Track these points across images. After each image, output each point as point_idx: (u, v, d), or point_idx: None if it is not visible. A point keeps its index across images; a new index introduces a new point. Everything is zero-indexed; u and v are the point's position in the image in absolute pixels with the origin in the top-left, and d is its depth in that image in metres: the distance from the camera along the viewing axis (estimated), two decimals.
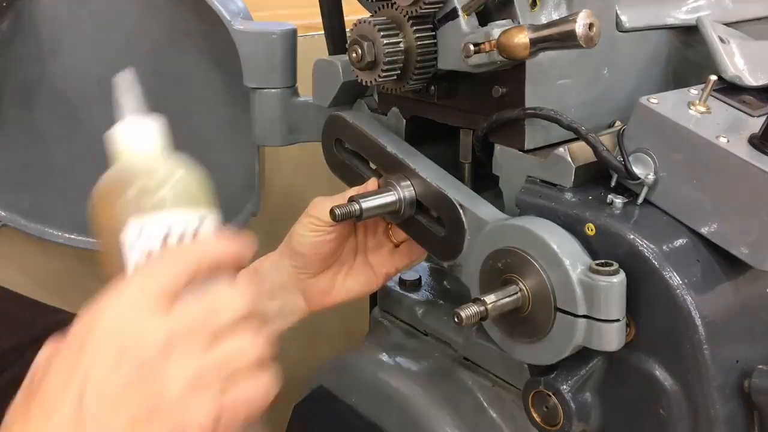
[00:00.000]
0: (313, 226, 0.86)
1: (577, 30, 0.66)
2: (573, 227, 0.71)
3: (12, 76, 1.14)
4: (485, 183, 0.85)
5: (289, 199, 1.42)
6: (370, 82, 0.80)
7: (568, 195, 0.74)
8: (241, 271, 0.89)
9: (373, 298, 1.09)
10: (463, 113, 0.82)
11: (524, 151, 0.77)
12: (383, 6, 0.80)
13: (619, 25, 0.82)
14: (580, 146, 0.75)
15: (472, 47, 0.72)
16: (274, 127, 1.07)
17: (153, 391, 0.51)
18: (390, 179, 0.85)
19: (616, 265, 0.67)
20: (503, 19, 0.74)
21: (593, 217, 0.70)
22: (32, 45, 1.13)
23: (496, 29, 0.71)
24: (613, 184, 0.74)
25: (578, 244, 0.70)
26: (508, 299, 0.72)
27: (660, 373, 0.69)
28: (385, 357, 0.98)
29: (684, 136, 0.70)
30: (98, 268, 1.24)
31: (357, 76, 0.82)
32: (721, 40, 0.81)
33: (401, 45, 0.78)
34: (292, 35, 1.05)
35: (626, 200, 0.72)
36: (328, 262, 0.89)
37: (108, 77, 1.16)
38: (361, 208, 0.81)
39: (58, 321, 0.88)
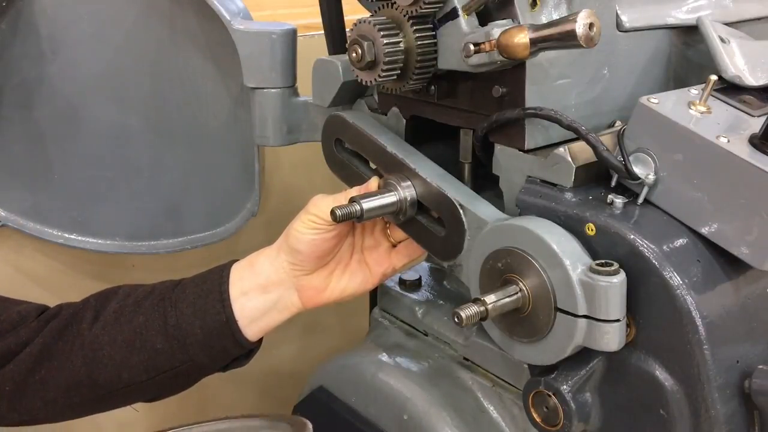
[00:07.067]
0: (312, 224, 0.86)
1: (577, 30, 0.66)
2: (573, 227, 0.71)
3: (11, 75, 1.14)
4: (485, 183, 0.85)
5: (289, 198, 1.42)
6: (370, 82, 0.80)
7: (569, 195, 0.74)
8: (237, 263, 0.90)
9: (373, 298, 1.09)
10: (463, 113, 0.82)
11: (524, 151, 0.77)
12: (383, 6, 0.79)
13: (619, 25, 0.82)
14: (580, 146, 0.75)
15: (472, 47, 0.72)
16: (274, 127, 1.07)
17: None
18: (390, 179, 0.85)
19: (616, 265, 0.67)
20: (503, 19, 0.74)
21: (593, 217, 0.70)
22: (32, 44, 1.13)
23: (496, 29, 0.71)
24: (613, 184, 0.74)
25: (578, 244, 0.70)
26: (508, 299, 0.72)
27: (660, 373, 0.69)
28: (385, 357, 0.98)
29: (684, 136, 0.70)
30: (95, 267, 1.25)
31: (357, 76, 0.82)
32: (722, 39, 0.81)
33: (401, 45, 0.78)
34: (292, 35, 1.05)
35: (626, 200, 0.72)
36: (325, 260, 0.89)
37: (108, 77, 1.16)
38: (362, 209, 0.81)
39: (20, 312, 0.89)
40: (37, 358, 0.87)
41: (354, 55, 0.79)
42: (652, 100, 0.72)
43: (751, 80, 0.80)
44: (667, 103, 0.72)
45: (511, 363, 0.85)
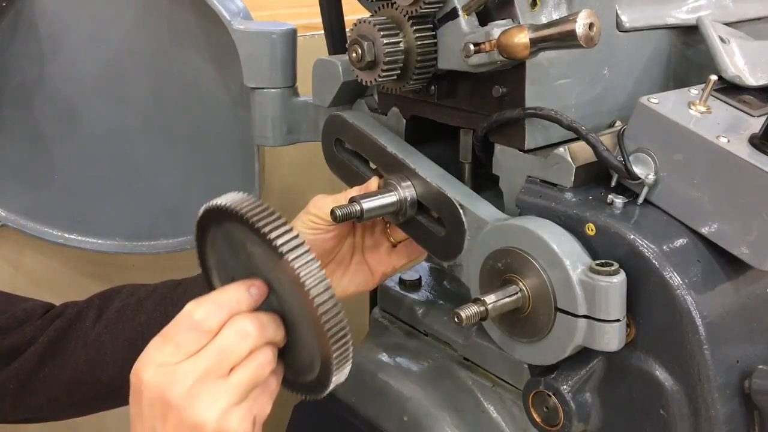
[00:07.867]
0: (312, 223, 0.86)
1: (577, 30, 0.66)
2: (573, 227, 0.71)
3: (11, 75, 1.14)
4: (485, 183, 0.85)
5: (289, 199, 1.42)
6: (370, 82, 0.80)
7: (569, 195, 0.74)
8: None
9: (373, 298, 1.09)
10: (463, 113, 0.82)
11: (524, 151, 0.77)
12: (383, 6, 0.79)
13: (619, 25, 0.82)
14: (580, 146, 0.75)
15: (472, 47, 0.72)
16: (273, 127, 1.07)
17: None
18: (390, 179, 0.85)
19: (616, 265, 0.67)
20: (503, 19, 0.74)
21: (593, 217, 0.70)
22: (32, 44, 1.13)
23: (496, 29, 0.71)
24: (613, 184, 0.74)
25: (578, 244, 0.70)
26: (508, 299, 0.72)
27: (660, 373, 0.69)
28: (385, 357, 0.98)
29: (684, 136, 0.70)
30: (95, 267, 1.25)
31: (357, 76, 0.82)
32: (722, 39, 0.81)
33: (401, 45, 0.78)
34: (292, 35, 1.05)
35: (626, 200, 0.72)
36: (325, 260, 0.89)
37: (107, 77, 1.16)
38: (362, 209, 0.81)
39: (26, 309, 0.90)
40: (41, 357, 0.87)
41: (354, 55, 0.79)
42: (652, 100, 0.72)
43: (751, 80, 0.80)
44: (667, 103, 0.72)
45: (511, 363, 0.85)
